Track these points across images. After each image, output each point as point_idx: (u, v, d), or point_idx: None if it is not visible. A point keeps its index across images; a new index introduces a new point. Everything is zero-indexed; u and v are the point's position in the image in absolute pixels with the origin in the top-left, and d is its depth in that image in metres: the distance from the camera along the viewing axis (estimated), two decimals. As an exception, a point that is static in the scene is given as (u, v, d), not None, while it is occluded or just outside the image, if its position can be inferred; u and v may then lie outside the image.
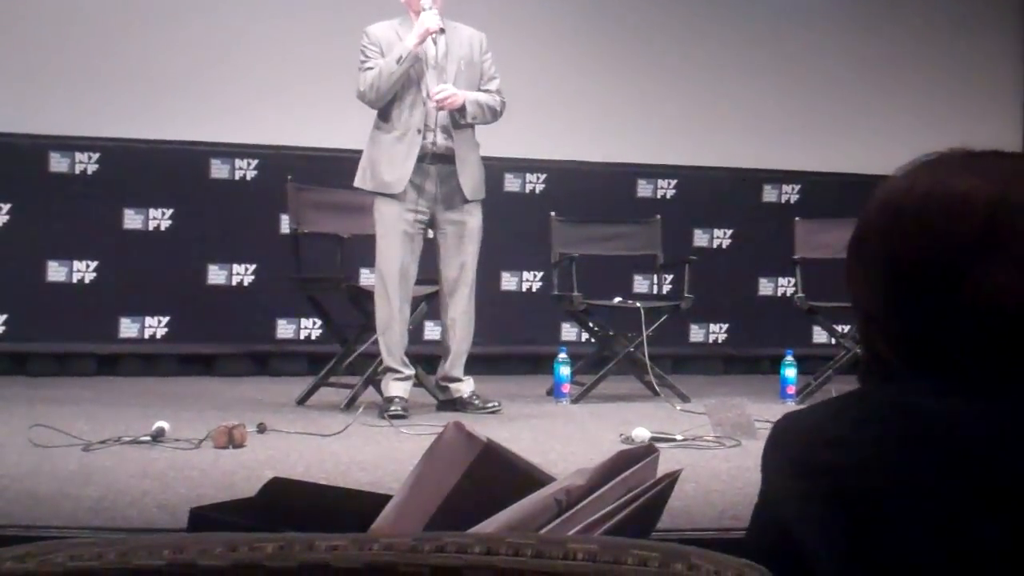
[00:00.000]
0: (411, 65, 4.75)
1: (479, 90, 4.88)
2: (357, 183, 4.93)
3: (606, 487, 1.65)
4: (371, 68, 4.77)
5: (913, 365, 1.05)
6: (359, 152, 6.22)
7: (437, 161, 4.83)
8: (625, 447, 1.81)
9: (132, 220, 6.17)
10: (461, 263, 4.92)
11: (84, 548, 0.69)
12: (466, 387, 4.98)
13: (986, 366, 1.01)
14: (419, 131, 4.78)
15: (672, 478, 1.74)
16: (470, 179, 4.87)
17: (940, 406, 1.00)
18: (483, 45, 4.96)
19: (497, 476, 1.70)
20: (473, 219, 4.92)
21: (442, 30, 4.77)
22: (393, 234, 4.80)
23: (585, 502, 1.61)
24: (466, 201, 4.89)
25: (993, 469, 0.96)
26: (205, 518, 1.98)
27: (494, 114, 4.91)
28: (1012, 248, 1.02)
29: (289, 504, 1.96)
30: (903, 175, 1.10)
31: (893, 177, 1.11)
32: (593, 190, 6.62)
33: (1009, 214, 1.03)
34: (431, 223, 4.90)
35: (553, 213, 5.85)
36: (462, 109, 4.79)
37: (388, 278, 4.82)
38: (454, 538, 0.72)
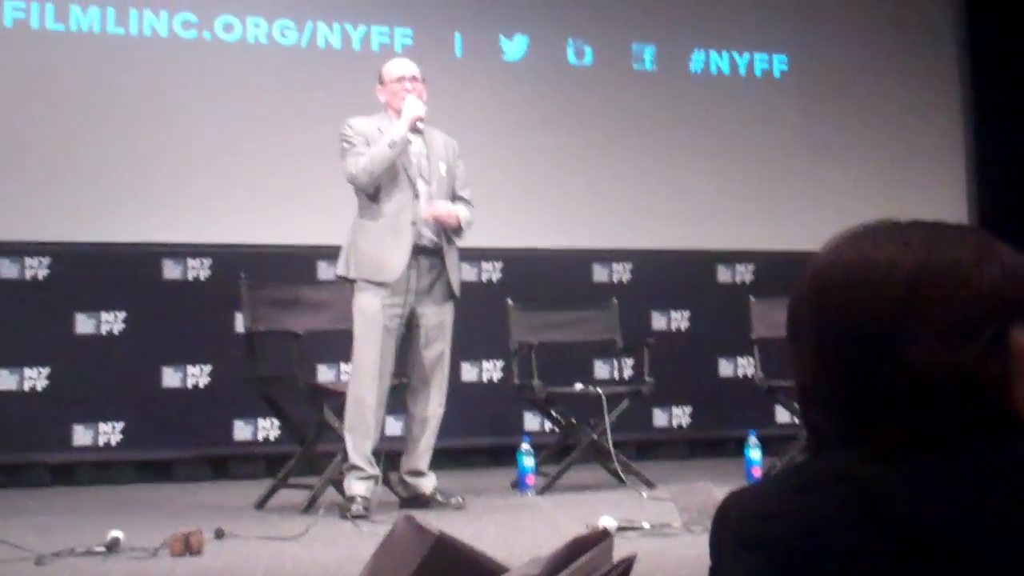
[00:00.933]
0: (402, 150, 4.75)
1: (455, 194, 4.92)
2: (340, 271, 4.88)
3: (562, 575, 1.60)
4: (361, 153, 4.76)
5: (847, 434, 1.07)
6: (312, 247, 6.27)
7: (423, 254, 4.82)
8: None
9: (84, 324, 6.08)
10: (439, 357, 4.89)
11: None
12: (429, 483, 4.90)
13: (914, 432, 1.04)
14: (412, 223, 4.78)
15: (627, 564, 1.69)
16: (455, 274, 4.88)
17: (870, 473, 1.02)
18: (456, 151, 5.02)
19: (450, 569, 1.64)
20: (450, 315, 4.91)
21: (420, 128, 4.80)
22: (374, 329, 4.76)
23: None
24: (448, 296, 4.88)
25: (920, 531, 0.99)
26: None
27: (470, 223, 4.95)
28: (936, 314, 1.04)
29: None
30: (828, 248, 1.12)
31: (820, 251, 1.13)
32: (549, 276, 6.63)
33: (931, 280, 1.05)
34: (409, 316, 4.85)
35: (510, 300, 5.84)
36: (457, 228, 4.83)
37: (366, 375, 4.75)
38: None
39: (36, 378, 5.98)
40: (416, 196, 4.82)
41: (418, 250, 4.81)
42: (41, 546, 3.82)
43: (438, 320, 4.90)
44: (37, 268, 6.04)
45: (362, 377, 4.77)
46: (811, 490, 1.04)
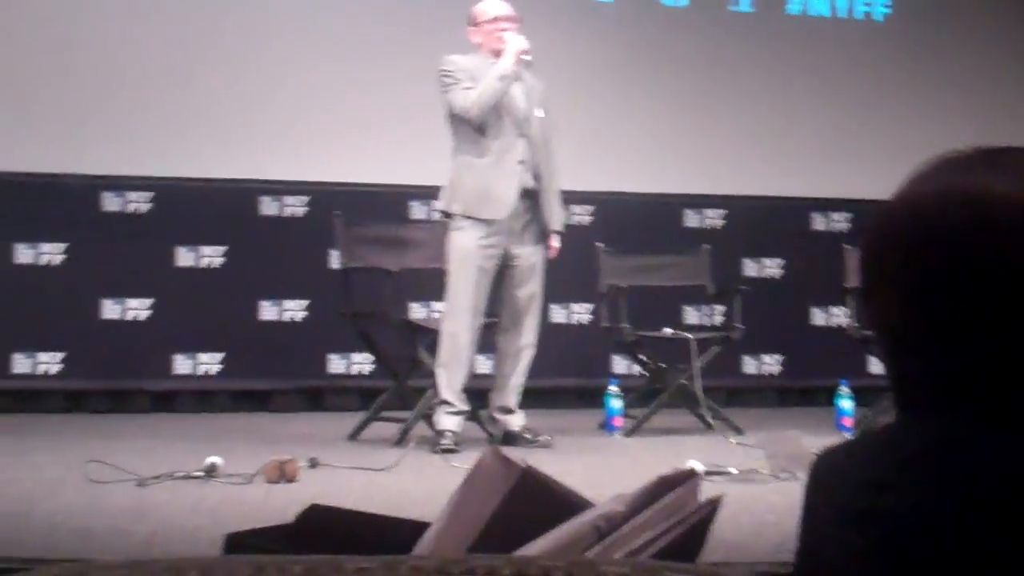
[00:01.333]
0: (512, 83, 4.76)
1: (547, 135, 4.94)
2: (441, 206, 4.93)
3: (646, 513, 1.63)
4: (468, 87, 4.78)
5: (958, 395, 0.95)
6: (405, 187, 6.34)
7: (522, 196, 4.85)
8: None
9: (184, 258, 6.24)
10: (531, 297, 4.93)
11: (113, 570, 0.69)
12: (518, 420, 4.97)
13: None
14: (520, 162, 4.81)
15: (714, 504, 1.71)
16: (552, 211, 4.89)
17: (991, 444, 0.91)
18: (545, 95, 5.00)
19: (536, 502, 1.69)
20: (542, 256, 4.94)
21: (527, 60, 4.81)
22: (469, 267, 4.81)
23: (625, 528, 1.60)
24: (541, 238, 4.90)
25: None
26: (241, 544, 1.98)
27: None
28: None
29: (327, 531, 1.96)
30: (925, 180, 1.01)
31: (916, 179, 1.02)
32: (640, 220, 6.61)
33: None
34: (504, 256, 4.89)
35: (600, 244, 5.85)
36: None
37: (459, 312, 4.81)
38: (484, 560, 0.72)
39: (139, 308, 6.16)
40: (520, 135, 4.84)
41: (520, 192, 4.84)
42: (143, 469, 3.97)
43: (531, 261, 4.93)
44: (139, 202, 6.20)
45: (456, 314, 4.83)
46: (918, 462, 0.93)
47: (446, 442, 4.69)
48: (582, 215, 6.68)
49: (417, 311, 6.25)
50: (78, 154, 6.09)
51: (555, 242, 4.99)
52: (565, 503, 1.71)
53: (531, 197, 4.89)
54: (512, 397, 4.96)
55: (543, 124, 4.95)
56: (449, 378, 4.82)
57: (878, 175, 7.14)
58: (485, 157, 4.83)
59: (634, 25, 6.90)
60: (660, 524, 1.61)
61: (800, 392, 6.84)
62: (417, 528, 1.81)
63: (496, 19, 4.91)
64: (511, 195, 4.79)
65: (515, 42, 4.82)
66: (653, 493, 1.67)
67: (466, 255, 4.81)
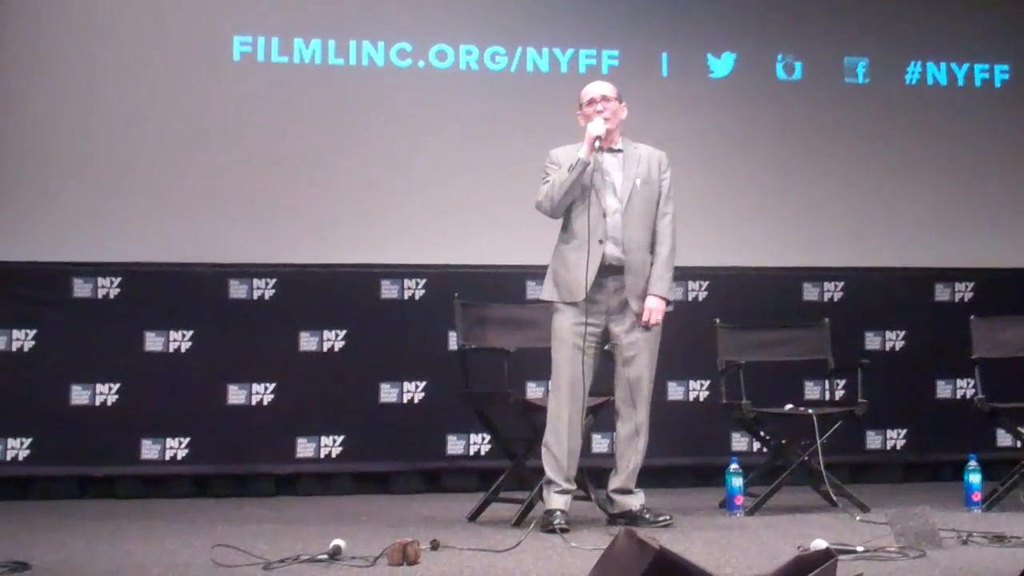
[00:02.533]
0: (581, 172, 4.82)
1: (656, 209, 4.94)
2: (542, 295, 5.02)
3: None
4: (548, 182, 4.89)
5: None
6: (521, 267, 6.41)
7: (613, 273, 4.86)
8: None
9: (308, 342, 6.37)
10: (639, 375, 4.90)
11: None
12: (636, 500, 4.92)
13: None
14: (600, 241, 4.84)
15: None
16: (637, 291, 4.88)
17: None
18: (662, 164, 5.01)
19: (670, 583, 1.67)
20: (651, 333, 4.91)
21: (616, 148, 4.86)
22: (565, 347, 4.84)
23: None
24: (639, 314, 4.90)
25: None
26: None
27: (673, 252, 4.95)
28: None
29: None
30: None
31: None
32: (757, 295, 6.56)
33: None
34: (605, 336, 4.91)
35: (718, 320, 5.81)
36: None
37: (559, 392, 4.84)
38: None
39: (262, 393, 6.30)
40: (604, 214, 4.86)
41: (606, 269, 4.84)
42: (269, 553, 4.04)
43: (632, 340, 4.91)
44: (264, 288, 6.36)
45: (556, 394, 4.86)
46: None
47: (556, 521, 4.67)
48: (699, 291, 6.66)
49: (534, 390, 6.27)
50: (202, 245, 6.30)
51: (650, 303, 4.87)
52: (700, 585, 1.69)
53: (624, 273, 4.88)
54: (629, 478, 4.92)
55: (647, 194, 4.94)
56: (553, 457, 4.81)
57: (1003, 243, 7.12)
58: (570, 242, 4.89)
59: (750, 99, 6.92)
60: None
61: (926, 467, 6.68)
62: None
63: (592, 101, 4.97)
64: (584, 276, 4.79)
65: (591, 128, 4.87)
66: (790, 573, 1.65)
67: (561, 336, 4.86)
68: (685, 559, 1.73)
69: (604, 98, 4.94)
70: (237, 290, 6.36)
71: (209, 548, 4.10)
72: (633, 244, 4.87)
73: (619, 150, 4.95)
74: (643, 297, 4.88)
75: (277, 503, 5.95)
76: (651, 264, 4.91)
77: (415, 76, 6.66)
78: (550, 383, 4.91)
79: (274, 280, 6.38)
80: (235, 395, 6.28)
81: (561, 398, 4.83)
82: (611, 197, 4.88)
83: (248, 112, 6.48)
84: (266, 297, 6.37)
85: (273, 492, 6.26)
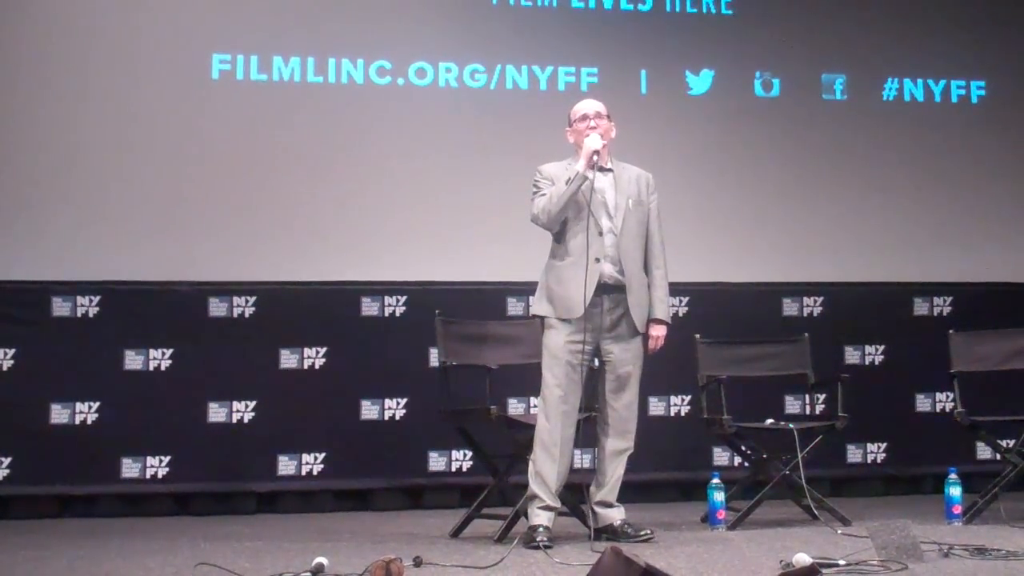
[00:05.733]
0: (579, 187, 4.83)
1: (645, 228, 4.97)
2: (535, 311, 5.01)
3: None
4: (544, 195, 4.89)
5: None
6: (502, 284, 6.43)
7: (607, 291, 4.88)
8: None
9: (288, 359, 6.36)
10: (627, 392, 4.92)
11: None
12: (618, 514, 4.93)
13: None
14: (597, 260, 4.86)
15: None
16: (639, 311, 4.91)
17: None
18: (650, 185, 5.04)
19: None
20: (638, 351, 4.94)
21: (595, 162, 4.88)
22: (558, 364, 4.84)
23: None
24: (635, 333, 4.92)
25: None
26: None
27: (667, 274, 5.01)
28: None
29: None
30: None
31: None
32: (737, 310, 6.60)
33: None
34: (596, 352, 4.92)
35: (698, 335, 5.83)
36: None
37: (550, 409, 4.84)
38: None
39: (243, 411, 6.28)
40: (600, 232, 4.88)
41: (602, 288, 4.86)
42: (252, 571, 4.02)
43: (624, 357, 4.93)
44: (244, 307, 6.35)
45: (546, 410, 4.85)
46: None
47: (539, 537, 4.67)
48: (679, 306, 6.69)
49: (515, 406, 6.28)
50: (184, 264, 6.28)
51: (655, 331, 4.97)
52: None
53: (618, 291, 4.90)
54: (612, 492, 4.93)
55: (638, 215, 4.96)
56: (540, 474, 4.81)
57: (981, 258, 7.19)
58: (565, 258, 4.89)
59: (729, 116, 6.97)
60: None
61: (907, 480, 6.71)
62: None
63: (584, 117, 4.99)
64: (583, 293, 4.82)
65: (588, 143, 4.89)
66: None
67: (554, 353, 4.86)
68: None
69: (597, 115, 4.97)
70: (217, 308, 6.35)
71: (191, 567, 4.09)
72: (630, 264, 4.90)
73: (610, 169, 4.97)
74: (646, 317, 4.91)
75: (259, 521, 5.93)
76: (647, 285, 4.94)
77: (394, 93, 6.68)
78: (540, 399, 4.89)
79: (254, 298, 6.36)
80: (216, 413, 6.26)
81: (553, 414, 4.82)
82: (605, 217, 4.90)
83: (227, 130, 6.48)
84: (246, 315, 6.36)
85: (255, 510, 6.23)
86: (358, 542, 4.89)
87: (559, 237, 4.92)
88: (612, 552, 1.90)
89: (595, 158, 4.84)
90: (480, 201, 6.60)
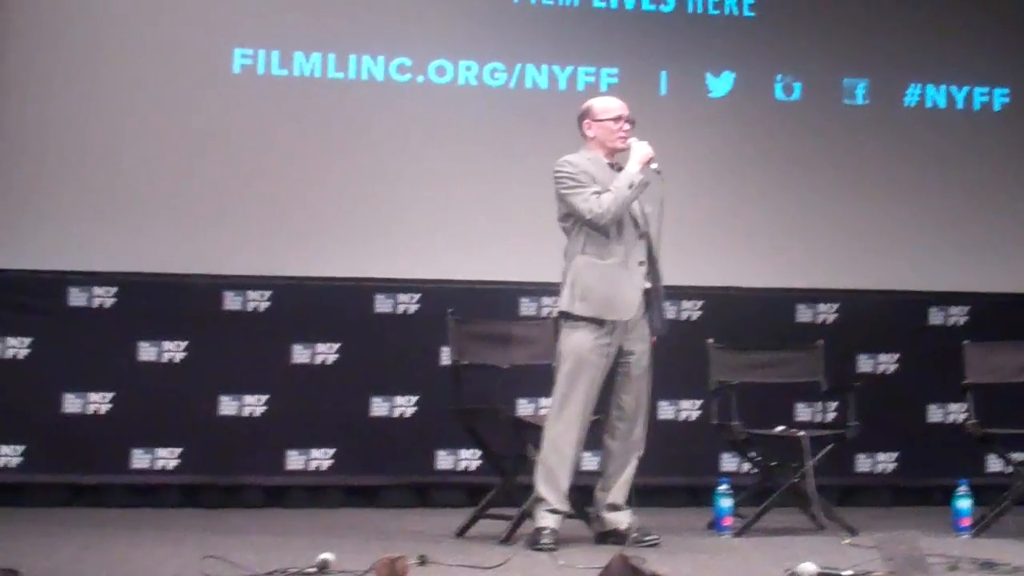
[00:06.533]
0: (641, 191, 4.82)
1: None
2: (565, 307, 4.86)
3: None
4: (597, 192, 4.81)
5: None
6: (515, 284, 6.42)
7: (643, 296, 4.88)
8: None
9: (301, 355, 6.38)
10: (640, 392, 4.91)
11: None
12: (625, 518, 4.92)
13: None
14: (640, 263, 4.84)
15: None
16: (660, 312, 4.91)
17: None
18: (663, 194, 5.01)
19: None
20: (649, 350, 4.93)
21: (655, 168, 4.86)
22: (585, 367, 4.79)
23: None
24: (649, 334, 4.91)
25: None
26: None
27: None
28: None
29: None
30: None
31: None
32: (751, 316, 6.57)
33: None
34: (617, 353, 4.90)
35: (711, 340, 5.82)
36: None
37: (570, 412, 4.78)
38: None
39: (255, 404, 6.30)
40: (640, 237, 4.87)
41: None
42: (258, 564, 4.04)
43: (641, 362, 4.92)
44: (259, 300, 6.37)
45: (566, 414, 4.79)
46: None
47: (544, 540, 4.66)
48: (692, 310, 6.67)
49: (524, 407, 6.28)
50: (198, 255, 6.31)
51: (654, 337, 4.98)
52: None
53: (646, 295, 4.90)
54: (620, 495, 4.92)
55: (655, 224, 4.95)
56: (550, 477, 4.79)
57: (998, 268, 7.14)
58: (610, 259, 4.84)
59: (748, 119, 6.94)
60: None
61: (916, 491, 6.66)
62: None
63: (619, 118, 4.95)
64: (637, 297, 4.81)
65: (640, 149, 4.86)
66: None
67: (582, 356, 4.80)
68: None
69: (631, 120, 4.95)
70: (232, 302, 6.37)
71: (198, 559, 4.11)
72: (656, 268, 4.90)
73: (658, 172, 4.92)
74: (661, 316, 4.92)
75: (266, 515, 5.95)
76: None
77: (414, 91, 6.68)
78: (555, 400, 4.84)
79: (269, 292, 6.38)
80: (227, 406, 6.28)
81: (570, 419, 4.78)
82: (641, 221, 4.89)
83: (247, 124, 6.49)
84: (260, 309, 6.38)
85: (263, 504, 6.25)
86: (364, 539, 4.91)
87: (603, 237, 4.84)
88: (619, 559, 1.90)
89: (651, 164, 4.82)
90: (497, 200, 6.59)
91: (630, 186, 4.79)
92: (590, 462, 5.39)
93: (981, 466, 6.48)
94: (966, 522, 5.25)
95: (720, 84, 7.00)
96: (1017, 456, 5.61)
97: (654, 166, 4.86)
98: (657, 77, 6.91)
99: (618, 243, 4.83)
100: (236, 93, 6.51)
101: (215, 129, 6.45)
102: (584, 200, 4.81)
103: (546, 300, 6.32)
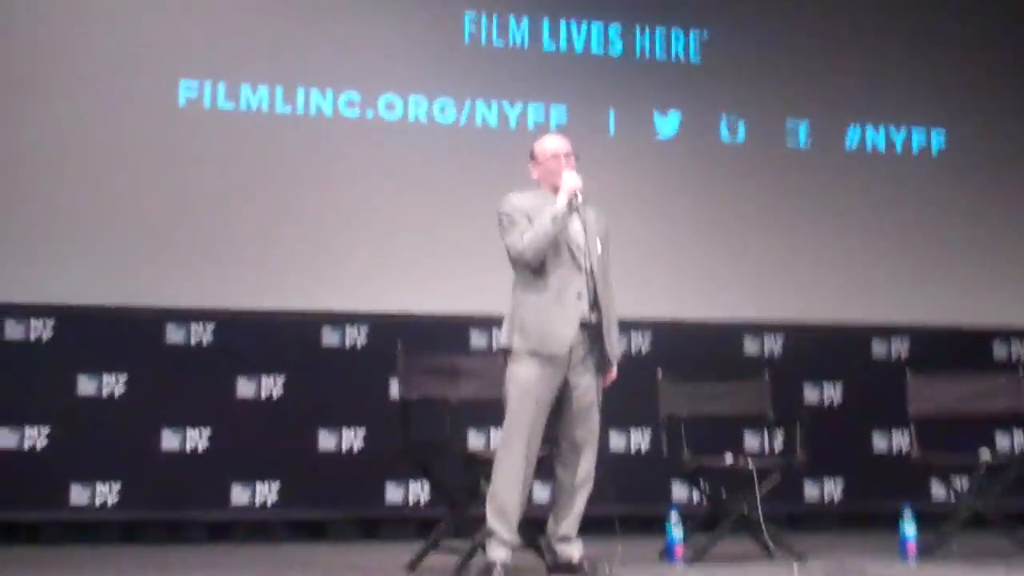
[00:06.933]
0: (564, 225, 4.83)
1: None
2: (504, 343, 4.88)
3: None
4: (524, 230, 4.82)
5: None
6: (465, 317, 6.40)
7: (584, 328, 4.86)
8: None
9: (245, 388, 6.30)
10: (590, 427, 4.90)
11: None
12: (577, 550, 4.89)
13: None
14: (578, 296, 4.84)
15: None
16: (612, 344, 4.91)
17: None
18: (606, 227, 5.03)
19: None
20: (600, 384, 4.93)
21: (578, 200, 4.88)
22: (528, 400, 4.76)
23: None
24: (600, 367, 4.90)
25: None
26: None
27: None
28: None
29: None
30: None
31: None
32: (699, 348, 6.62)
33: None
34: (562, 387, 4.89)
35: (660, 372, 5.83)
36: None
37: (515, 445, 4.75)
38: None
39: (197, 439, 6.20)
40: (579, 270, 4.87)
41: (582, 326, 4.85)
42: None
43: (590, 396, 4.89)
44: (202, 334, 6.28)
45: (511, 446, 4.78)
46: None
47: (496, 573, 4.62)
48: (641, 342, 6.69)
49: (476, 440, 6.24)
50: (142, 287, 6.22)
51: (613, 373, 5.00)
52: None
53: (591, 329, 4.89)
54: (571, 526, 4.90)
55: (602, 256, 4.97)
56: (500, 510, 4.75)
57: (939, 302, 7.26)
58: (544, 293, 4.84)
59: (695, 159, 7.03)
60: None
61: (862, 518, 6.72)
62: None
63: (556, 155, 4.97)
64: (570, 330, 4.80)
65: (568, 180, 4.87)
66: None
67: (525, 389, 4.78)
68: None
69: (568, 154, 4.97)
70: (175, 334, 6.28)
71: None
72: (604, 302, 4.89)
73: (577, 207, 4.95)
74: (607, 355, 4.91)
75: (210, 551, 5.83)
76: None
77: (363, 126, 6.68)
78: (502, 433, 4.83)
79: (212, 325, 6.30)
80: (169, 440, 6.17)
81: (517, 450, 4.75)
82: (579, 254, 4.89)
83: (191, 157, 6.44)
84: (204, 342, 6.29)
85: (206, 539, 6.13)
86: (312, 574, 4.82)
87: (537, 272, 4.86)
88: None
89: (577, 196, 4.84)
90: (445, 235, 6.59)
91: (552, 220, 4.80)
92: (542, 494, 5.36)
93: (925, 492, 6.55)
94: (912, 547, 5.29)
95: (667, 124, 7.08)
96: (959, 482, 5.66)
97: (577, 198, 4.85)
98: (606, 115, 6.97)
99: (553, 275, 4.83)
100: (181, 125, 6.45)
101: (159, 160, 6.39)
102: (511, 238, 4.84)
103: (496, 333, 6.29)
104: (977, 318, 7.11)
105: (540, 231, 4.79)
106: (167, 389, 6.18)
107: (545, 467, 4.98)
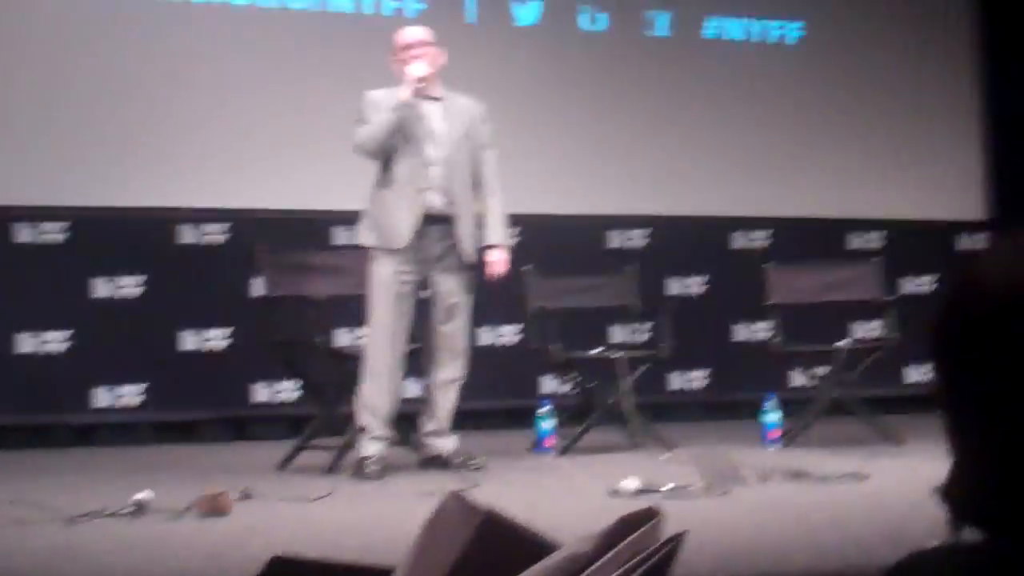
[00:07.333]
0: (406, 115, 4.74)
1: (477, 158, 4.92)
2: (360, 240, 4.91)
3: (612, 553, 1.62)
4: (368, 124, 4.77)
5: None
6: (327, 213, 6.30)
7: (435, 222, 4.82)
8: (624, 510, 1.78)
9: (102, 289, 6.11)
10: (455, 325, 4.90)
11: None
12: (449, 444, 4.94)
13: None
14: (419, 190, 4.78)
15: (677, 540, 1.71)
16: (469, 239, 4.87)
17: None
18: (482, 115, 4.97)
19: (501, 546, 1.65)
20: (467, 282, 4.91)
21: (435, 97, 4.80)
22: (386, 294, 4.79)
23: (592, 569, 1.58)
24: (464, 266, 4.88)
25: None
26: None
27: (502, 201, 4.99)
28: None
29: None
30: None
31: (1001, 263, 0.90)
32: (565, 242, 6.64)
33: None
34: (425, 284, 4.87)
35: (527, 267, 5.85)
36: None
37: (378, 339, 4.79)
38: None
39: (56, 341, 6.02)
40: (426, 164, 4.82)
41: (429, 218, 4.81)
42: (70, 507, 3.84)
43: (452, 289, 4.91)
44: (55, 233, 6.06)
45: (375, 341, 4.81)
46: None
47: (369, 469, 4.64)
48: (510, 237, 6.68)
49: (342, 337, 6.19)
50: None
51: (492, 256, 4.95)
52: (531, 546, 1.68)
53: (446, 222, 4.85)
54: (443, 421, 4.94)
55: (469, 146, 4.92)
56: (369, 405, 4.77)
57: (797, 194, 7.41)
58: (390, 187, 4.81)
59: (555, 49, 6.95)
60: (625, 563, 1.60)
61: (725, 406, 6.92)
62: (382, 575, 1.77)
63: (408, 46, 4.88)
64: (408, 223, 4.77)
65: (412, 70, 4.79)
66: (617, 533, 1.66)
67: (382, 284, 4.80)
68: (516, 521, 1.71)
69: (422, 43, 4.87)
70: (26, 234, 6.03)
71: (5, 503, 3.88)
72: (459, 195, 4.85)
73: (438, 99, 4.88)
74: (477, 247, 4.86)
75: (75, 455, 5.69)
76: (479, 215, 4.90)
77: (213, 12, 6.41)
78: (367, 329, 4.84)
79: (66, 223, 6.06)
80: (26, 344, 5.97)
81: (381, 345, 4.78)
82: (433, 146, 4.83)
83: (40, 45, 6.10)
84: (57, 241, 6.06)
85: (69, 443, 5.98)
86: (181, 475, 4.75)
87: (385, 166, 4.83)
88: (453, 498, 1.89)
89: (420, 86, 4.76)
90: (303, 128, 6.41)
91: (393, 109, 4.74)
92: (413, 390, 5.37)
93: (785, 381, 6.76)
94: (774, 434, 5.48)
95: (527, 12, 6.98)
96: (819, 370, 5.86)
97: (420, 85, 4.77)
98: (463, 2, 6.83)
99: (399, 169, 4.80)
100: (36, 14, 6.11)
101: (4, 52, 6.05)
102: (355, 132, 4.79)
103: (358, 229, 6.22)
104: (835, 208, 7.28)
105: (377, 123, 4.73)
106: (23, 292, 5.96)
107: (417, 363, 5.00)
